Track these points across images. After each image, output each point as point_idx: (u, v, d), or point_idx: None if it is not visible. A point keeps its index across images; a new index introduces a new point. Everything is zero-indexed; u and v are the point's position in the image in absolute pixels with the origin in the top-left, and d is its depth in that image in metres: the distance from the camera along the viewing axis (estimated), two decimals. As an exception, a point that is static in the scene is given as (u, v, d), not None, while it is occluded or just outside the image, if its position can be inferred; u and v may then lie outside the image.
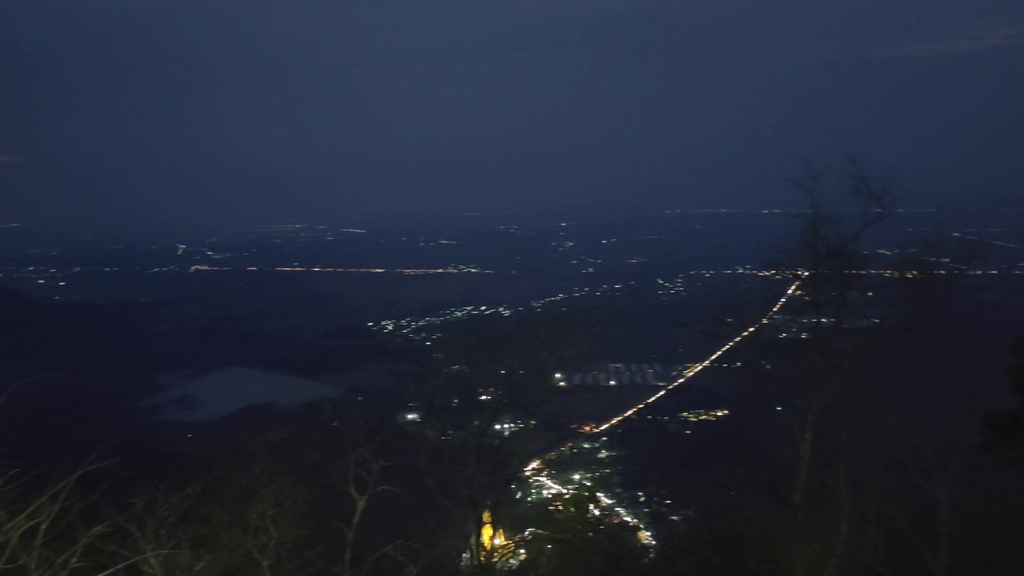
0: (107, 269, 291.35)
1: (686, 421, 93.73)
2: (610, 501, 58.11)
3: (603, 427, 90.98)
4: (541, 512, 27.81)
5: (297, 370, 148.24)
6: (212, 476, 12.88)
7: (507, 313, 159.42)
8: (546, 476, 63.33)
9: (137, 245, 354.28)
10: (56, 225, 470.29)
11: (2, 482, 6.39)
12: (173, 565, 9.15)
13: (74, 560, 6.88)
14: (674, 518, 38.07)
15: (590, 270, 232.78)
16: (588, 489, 25.42)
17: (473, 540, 17.99)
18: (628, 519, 53.88)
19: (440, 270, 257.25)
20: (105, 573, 7.38)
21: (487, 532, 19.75)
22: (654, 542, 33.52)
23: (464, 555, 19.18)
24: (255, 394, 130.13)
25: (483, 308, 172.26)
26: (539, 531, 24.11)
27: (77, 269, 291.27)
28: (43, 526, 6.59)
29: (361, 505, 11.57)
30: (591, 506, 26.08)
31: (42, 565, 6.79)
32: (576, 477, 61.86)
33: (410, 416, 79.43)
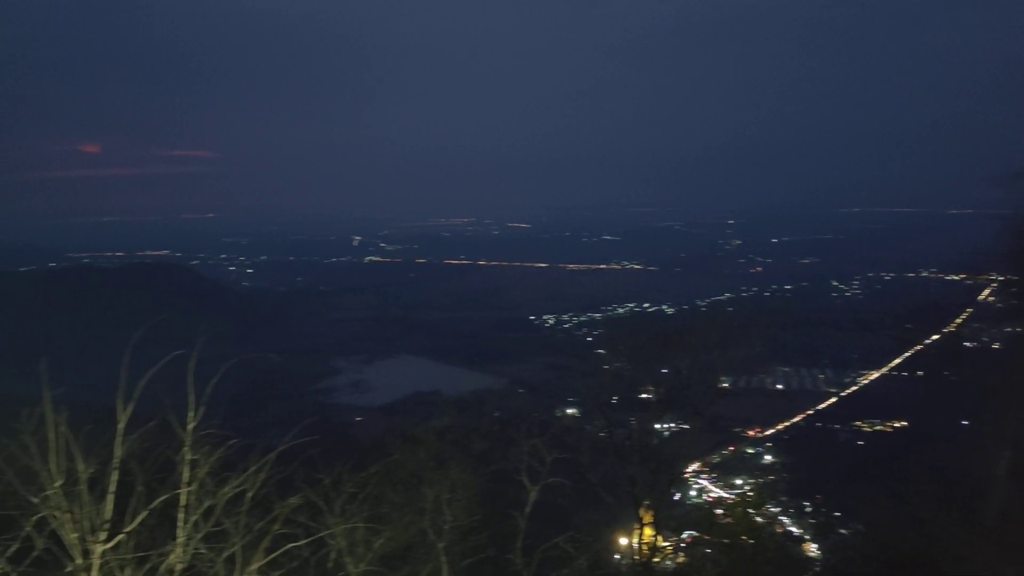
0: (290, 258, 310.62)
1: (859, 431, 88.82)
2: (774, 509, 56.15)
3: (769, 432, 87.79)
4: (702, 515, 27.29)
5: (462, 360, 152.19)
6: (393, 458, 13.59)
7: (671, 311, 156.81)
8: (707, 479, 62.04)
9: (317, 236, 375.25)
10: (246, 216, 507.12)
11: (221, 450, 7.02)
12: (353, 540, 9.72)
13: (276, 527, 7.48)
14: (843, 531, 36.46)
15: (759, 269, 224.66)
16: (755, 495, 24.68)
17: (634, 538, 17.97)
18: (793, 529, 51.90)
19: (603, 266, 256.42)
20: (299, 542, 7.94)
21: (648, 531, 19.66)
22: (821, 555, 32.23)
23: (625, 552, 19.19)
24: (422, 382, 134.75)
25: (646, 305, 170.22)
26: (699, 534, 23.71)
27: (263, 258, 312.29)
28: (249, 494, 7.21)
29: (533, 495, 11.85)
30: (755, 513, 25.38)
31: (243, 531, 7.39)
32: (739, 482, 60.20)
33: (570, 411, 79.95)
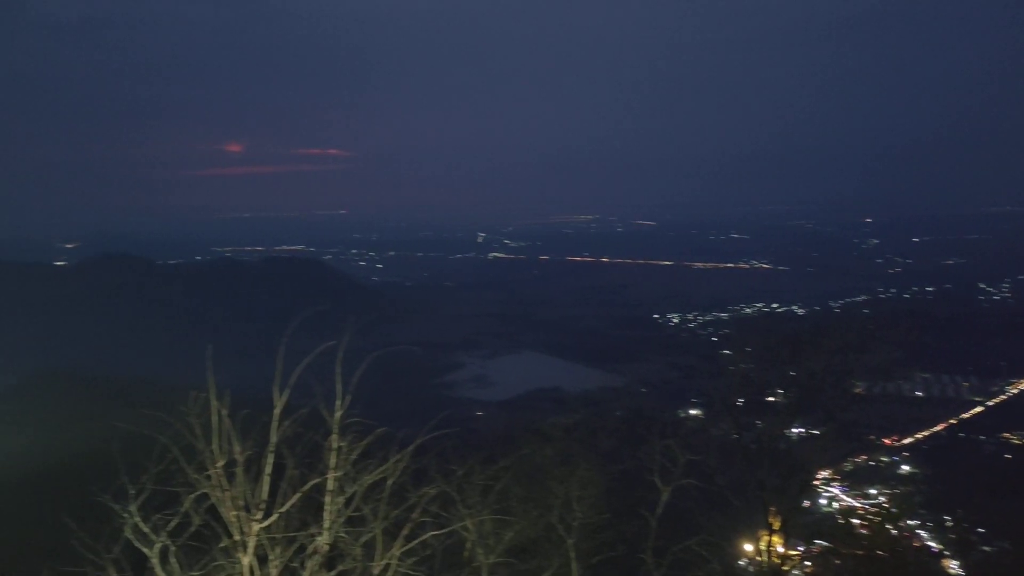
0: (417, 254, 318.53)
1: (1007, 443, 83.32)
2: (912, 522, 53.39)
3: (906, 441, 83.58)
4: (835, 525, 26.31)
5: (583, 357, 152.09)
6: (523, 453, 13.79)
7: (801, 312, 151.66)
8: (838, 487, 59.62)
9: (443, 232, 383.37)
10: (376, 212, 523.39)
11: (369, 437, 7.32)
12: (483, 532, 9.93)
13: (415, 515, 7.73)
14: (986, 549, 34.40)
15: (897, 270, 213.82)
16: (892, 507, 23.60)
17: (763, 544, 17.52)
18: (932, 544, 49.21)
19: (730, 264, 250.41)
20: (437, 531, 8.17)
21: (776, 539, 19.14)
22: (962, 573, 30.49)
23: (751, 559, 18.74)
24: (542, 378, 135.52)
25: (775, 305, 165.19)
26: (831, 545, 22.87)
27: (392, 253, 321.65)
28: (389, 482, 7.49)
29: (665, 496, 11.76)
30: (892, 526, 24.26)
31: (380, 518, 7.66)
32: (873, 492, 57.52)
33: (693, 411, 78.58)
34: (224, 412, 6.85)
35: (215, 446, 6.81)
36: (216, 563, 7.10)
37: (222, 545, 7.11)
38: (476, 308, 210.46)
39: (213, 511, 7.16)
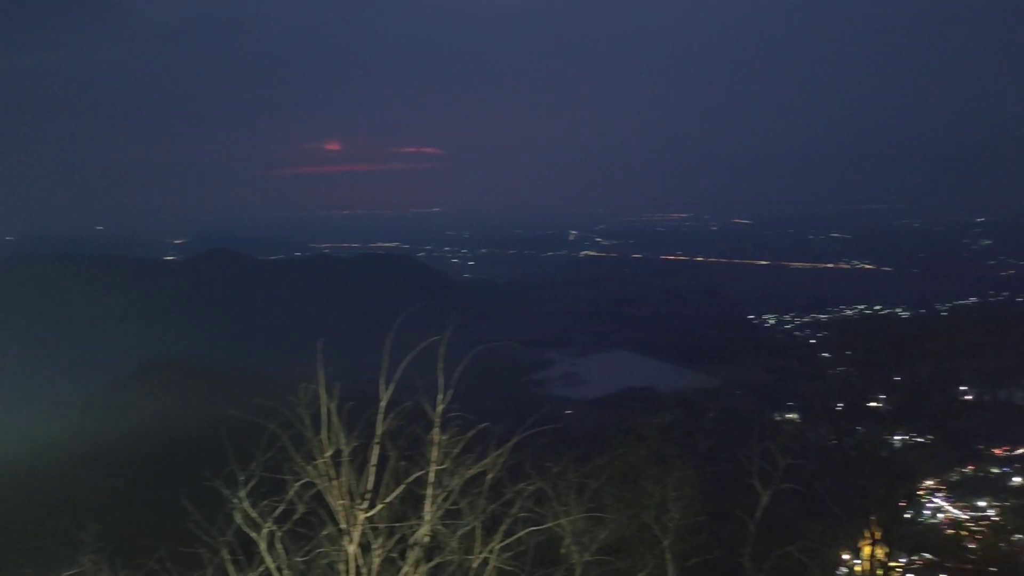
0: (509, 251, 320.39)
1: None
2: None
3: (1018, 452, 79.44)
4: (939, 537, 25.32)
5: (675, 357, 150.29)
6: (618, 451, 13.76)
7: (905, 315, 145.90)
8: (943, 498, 57.11)
9: (534, 230, 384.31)
10: (469, 210, 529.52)
11: (472, 432, 7.46)
12: (577, 530, 9.96)
13: (515, 510, 7.84)
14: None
15: (1011, 272, 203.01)
16: (1004, 520, 22.58)
17: (864, 554, 16.99)
18: (1047, 561, 46.61)
19: (830, 265, 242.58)
20: (535, 527, 8.25)
21: (879, 549, 18.52)
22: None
23: (851, 568, 18.19)
24: (633, 377, 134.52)
25: (877, 308, 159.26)
26: (936, 558, 22.01)
27: (484, 251, 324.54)
28: (489, 476, 7.61)
29: (765, 499, 11.55)
30: (1002, 540, 23.19)
31: (479, 512, 7.76)
32: (981, 504, 54.91)
33: (790, 415, 76.67)
34: (333, 404, 7.10)
35: (324, 436, 7.06)
36: (320, 550, 7.35)
37: (325, 533, 7.35)
38: (567, 306, 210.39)
39: (317, 499, 7.41)
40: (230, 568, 7.31)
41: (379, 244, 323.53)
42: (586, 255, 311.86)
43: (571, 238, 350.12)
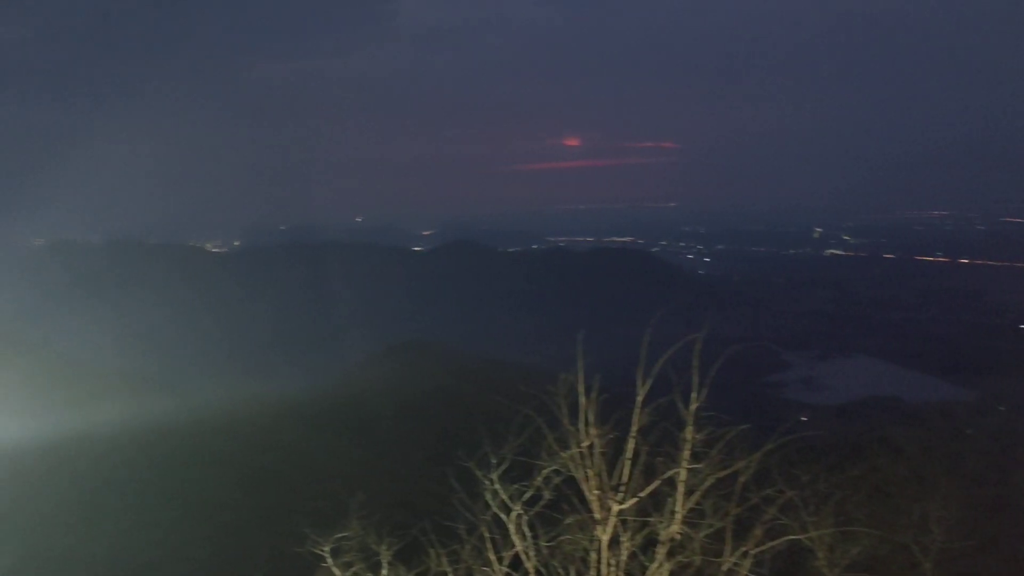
0: (747, 248, 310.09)
1: None
2: None
3: None
4: None
5: (926, 366, 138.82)
6: (874, 463, 12.95)
7: None
8: None
9: (774, 226, 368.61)
10: (705, 205, 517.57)
11: (731, 433, 7.34)
12: (827, 543, 9.47)
13: (766, 516, 7.61)
14: None
15: None
16: None
17: None
18: None
19: None
20: (788, 537, 7.95)
21: None
22: None
23: None
24: (878, 385, 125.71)
25: None
26: None
27: (720, 247, 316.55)
28: (741, 479, 7.44)
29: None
30: None
31: (729, 515, 7.57)
32: None
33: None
34: (593, 395, 7.24)
35: (581, 426, 7.23)
36: (565, 537, 7.51)
37: (568, 521, 7.50)
38: (808, 306, 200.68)
39: (563, 487, 7.60)
40: (489, 546, 7.65)
41: (613, 238, 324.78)
42: (831, 254, 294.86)
43: (815, 235, 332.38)
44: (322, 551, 8.40)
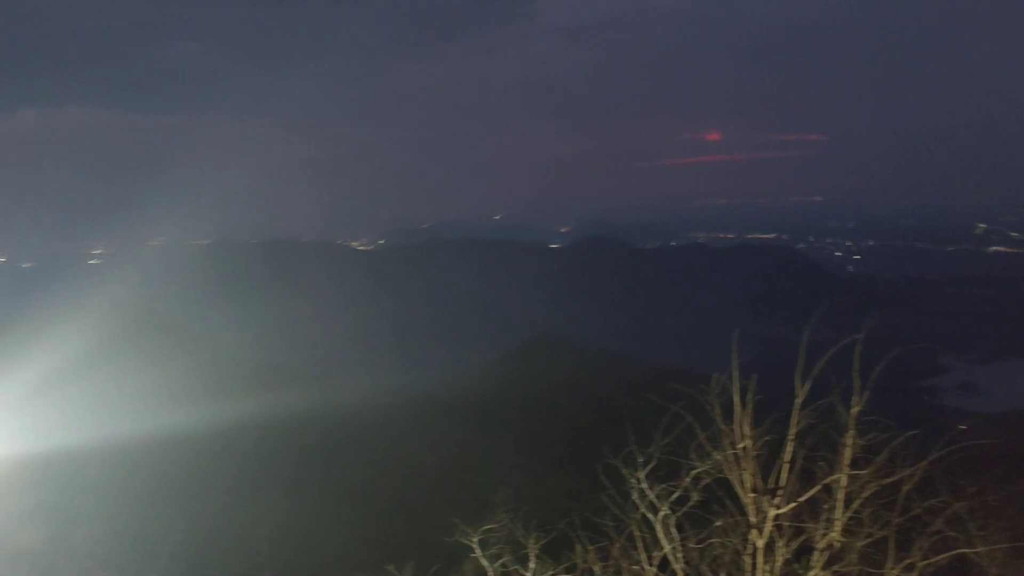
0: (900, 244, 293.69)
1: None
2: None
3: None
4: None
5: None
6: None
7: None
8: None
9: (930, 221, 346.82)
10: (853, 199, 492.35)
11: (898, 439, 7.04)
12: (997, 561, 8.88)
13: (932, 528, 7.24)
14: None
15: None
16: None
17: None
18: None
19: None
20: (958, 551, 7.55)
21: None
22: None
23: None
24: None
25: None
26: None
27: (870, 243, 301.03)
28: (905, 488, 7.08)
29: None
30: None
31: (892, 524, 7.23)
32: None
33: None
34: (749, 396, 7.08)
35: (737, 427, 7.08)
36: (715, 539, 7.36)
37: (719, 523, 7.34)
38: (968, 307, 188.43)
39: (712, 488, 7.45)
40: (640, 545, 7.60)
41: (756, 235, 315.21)
42: (995, 251, 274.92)
43: (977, 231, 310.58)
44: (470, 542, 8.56)
